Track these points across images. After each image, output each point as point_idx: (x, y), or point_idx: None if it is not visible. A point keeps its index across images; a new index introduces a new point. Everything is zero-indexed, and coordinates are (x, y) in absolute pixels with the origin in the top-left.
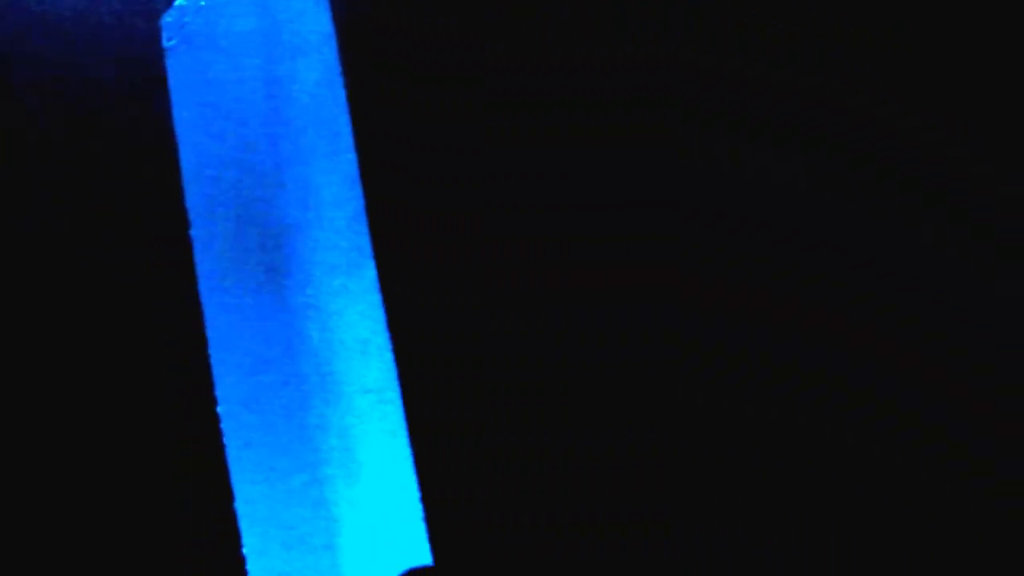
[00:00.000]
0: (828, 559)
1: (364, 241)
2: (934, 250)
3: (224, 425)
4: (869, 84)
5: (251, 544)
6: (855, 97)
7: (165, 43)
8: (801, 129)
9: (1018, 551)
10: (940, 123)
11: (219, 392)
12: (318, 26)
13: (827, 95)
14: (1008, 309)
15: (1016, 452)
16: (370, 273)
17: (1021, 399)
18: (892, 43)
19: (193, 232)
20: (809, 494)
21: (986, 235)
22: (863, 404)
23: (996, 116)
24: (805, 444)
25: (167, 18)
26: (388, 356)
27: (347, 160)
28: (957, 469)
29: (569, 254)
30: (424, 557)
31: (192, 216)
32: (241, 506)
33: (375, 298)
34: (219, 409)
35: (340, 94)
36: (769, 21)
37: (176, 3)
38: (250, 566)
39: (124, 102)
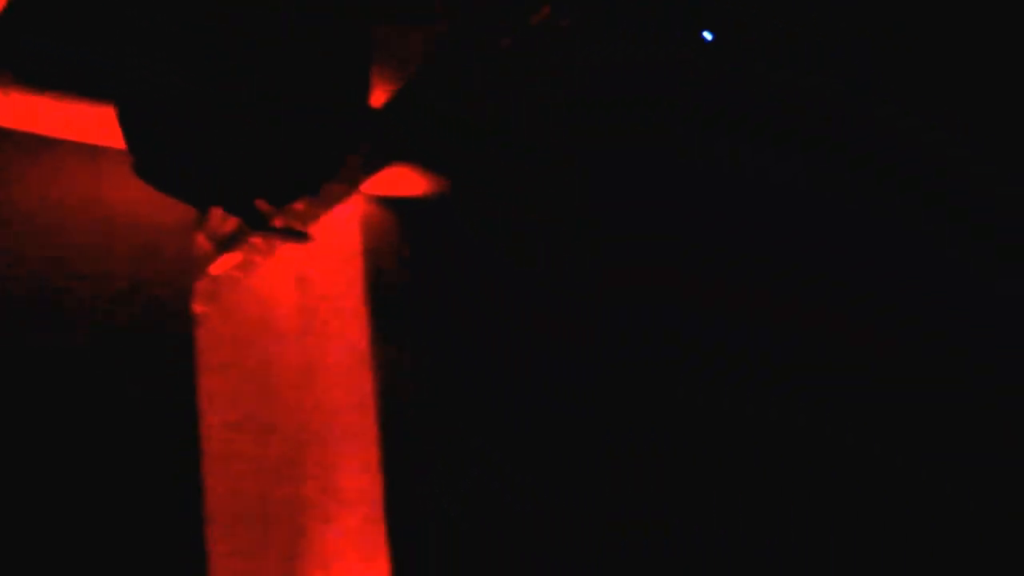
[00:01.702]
0: (828, 559)
1: (379, 532)
2: (934, 250)
3: None
4: (869, 84)
5: None
6: (855, 97)
7: (196, 308)
8: (801, 129)
9: (1018, 551)
10: (940, 123)
11: None
12: (350, 301)
13: (827, 95)
14: (1008, 309)
15: (1016, 452)
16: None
17: (1021, 399)
18: (892, 43)
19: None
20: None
21: (986, 235)
22: (863, 404)
23: (996, 116)
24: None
25: (199, 284)
26: None
27: (369, 443)
28: (957, 469)
29: None
30: None
31: (208, 479)
32: None
33: None
34: None
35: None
36: (769, 21)
37: (210, 271)
38: None
39: (149, 362)
